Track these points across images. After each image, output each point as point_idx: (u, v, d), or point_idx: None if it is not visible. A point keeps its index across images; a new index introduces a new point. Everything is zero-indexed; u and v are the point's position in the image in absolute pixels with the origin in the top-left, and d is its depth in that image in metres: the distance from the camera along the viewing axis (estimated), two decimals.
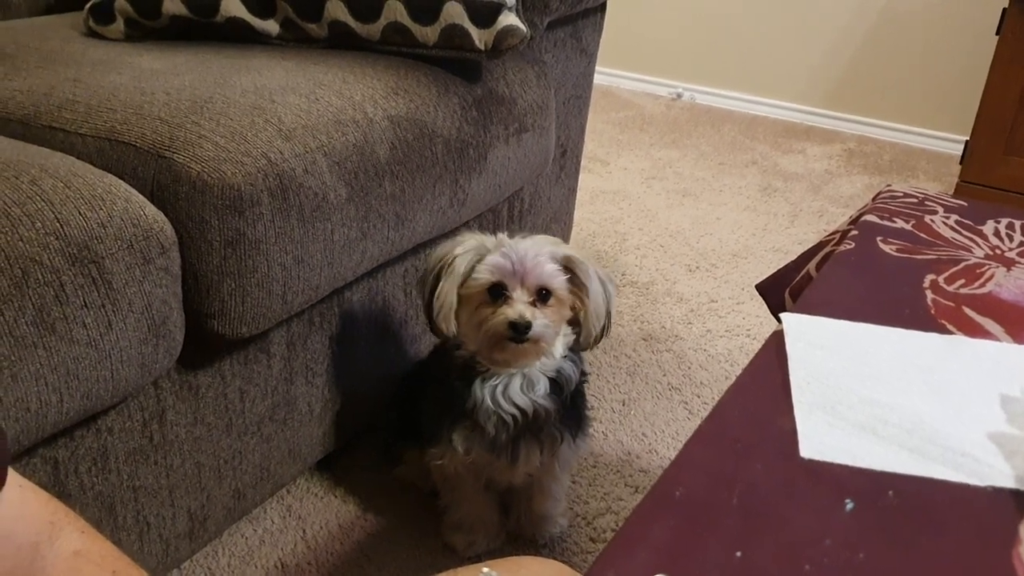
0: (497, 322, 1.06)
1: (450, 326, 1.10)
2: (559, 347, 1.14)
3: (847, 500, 0.58)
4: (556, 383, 1.14)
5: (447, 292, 1.09)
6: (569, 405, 1.16)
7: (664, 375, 1.72)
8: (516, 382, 1.12)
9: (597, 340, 1.14)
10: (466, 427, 1.14)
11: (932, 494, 0.60)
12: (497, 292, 1.08)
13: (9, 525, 0.51)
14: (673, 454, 1.51)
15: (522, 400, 1.12)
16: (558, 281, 1.09)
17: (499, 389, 1.12)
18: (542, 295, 1.08)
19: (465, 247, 1.09)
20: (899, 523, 0.57)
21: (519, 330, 1.05)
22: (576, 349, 1.16)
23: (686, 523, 0.54)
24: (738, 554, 0.52)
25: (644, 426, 1.57)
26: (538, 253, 1.08)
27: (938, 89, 3.09)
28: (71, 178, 0.88)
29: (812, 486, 0.59)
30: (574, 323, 1.14)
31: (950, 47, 3.02)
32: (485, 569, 0.54)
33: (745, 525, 0.54)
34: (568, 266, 1.10)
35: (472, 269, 1.08)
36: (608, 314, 1.13)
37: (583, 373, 1.19)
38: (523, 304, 1.06)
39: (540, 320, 1.06)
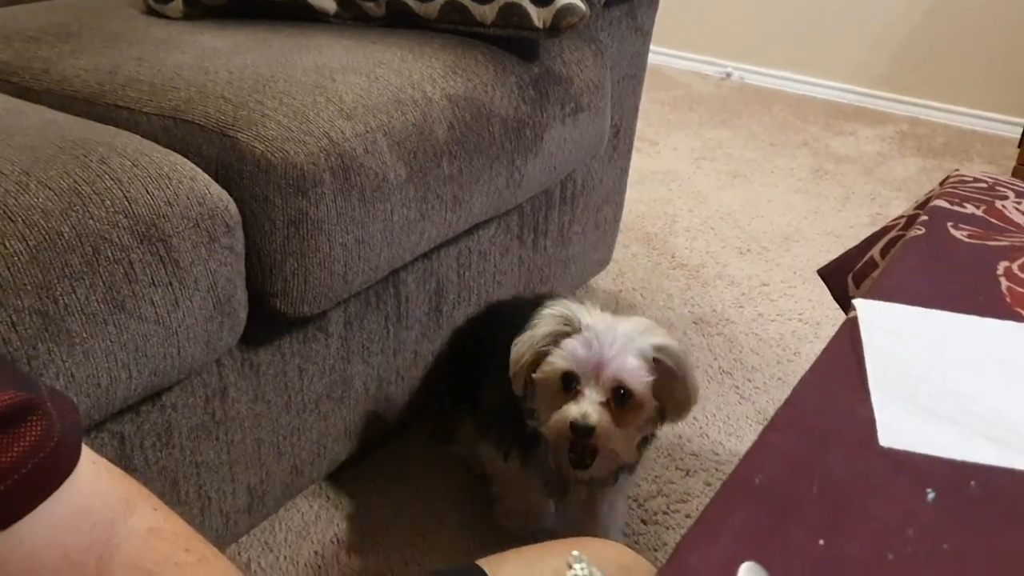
0: (559, 419, 0.99)
1: (518, 386, 1.06)
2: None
3: (928, 490, 0.57)
4: None
5: (522, 346, 1.03)
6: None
7: (715, 359, 1.71)
8: None
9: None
10: (524, 452, 1.14)
11: (1016, 485, 0.58)
12: (570, 382, 1.00)
13: (85, 501, 0.51)
14: (724, 438, 1.50)
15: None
16: (640, 382, 0.98)
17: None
18: (619, 395, 0.99)
19: (554, 310, 1.03)
20: (983, 514, 0.55)
21: (579, 432, 0.97)
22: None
23: (767, 511, 0.53)
24: (821, 542, 0.51)
25: (695, 409, 1.55)
26: (624, 345, 0.97)
27: (995, 69, 3.01)
28: (138, 156, 0.89)
29: (892, 475, 0.58)
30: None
31: (1008, 26, 2.93)
32: (575, 552, 0.54)
33: (826, 513, 0.54)
34: (658, 357, 1.01)
35: (549, 347, 1.01)
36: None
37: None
38: (592, 404, 0.97)
39: (605, 425, 0.97)
